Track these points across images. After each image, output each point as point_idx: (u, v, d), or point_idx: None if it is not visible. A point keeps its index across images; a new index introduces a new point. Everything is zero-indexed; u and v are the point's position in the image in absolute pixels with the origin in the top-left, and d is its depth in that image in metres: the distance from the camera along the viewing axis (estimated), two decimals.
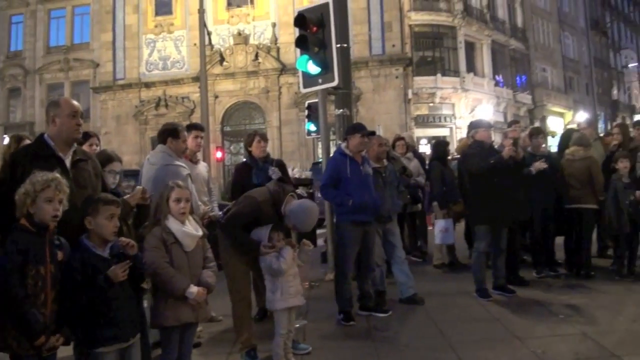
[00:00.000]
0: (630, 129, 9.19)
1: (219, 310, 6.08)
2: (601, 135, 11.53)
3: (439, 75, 31.79)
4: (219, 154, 27.89)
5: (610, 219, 7.84)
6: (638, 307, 6.42)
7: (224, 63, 31.48)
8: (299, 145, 30.38)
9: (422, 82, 31.49)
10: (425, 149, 24.30)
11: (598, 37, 52.45)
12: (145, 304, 4.38)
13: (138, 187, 4.92)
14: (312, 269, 8.88)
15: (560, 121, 40.91)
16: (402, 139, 9.84)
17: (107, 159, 5.00)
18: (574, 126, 10.68)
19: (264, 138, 7.03)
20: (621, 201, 7.65)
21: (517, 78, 38.64)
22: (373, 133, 6.93)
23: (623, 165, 7.78)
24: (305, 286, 6.21)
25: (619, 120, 43.69)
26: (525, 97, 38.59)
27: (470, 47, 34.25)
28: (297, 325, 5.43)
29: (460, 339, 5.51)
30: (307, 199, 6.28)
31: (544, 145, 8.79)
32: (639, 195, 7.49)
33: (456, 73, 32.57)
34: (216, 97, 31.15)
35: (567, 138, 9.04)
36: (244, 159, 7.52)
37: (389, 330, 5.98)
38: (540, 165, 7.62)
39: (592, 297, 6.88)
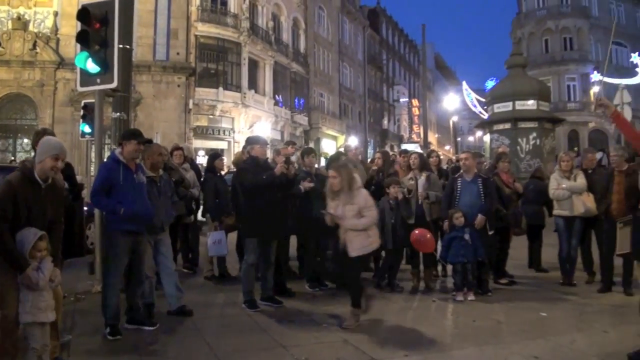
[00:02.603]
0: (392, 154, 9.93)
1: None
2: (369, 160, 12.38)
3: (221, 88, 31.94)
4: None
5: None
6: (395, 316, 6.99)
7: (0, 49, 28.50)
8: (71, 147, 28.11)
9: (203, 93, 31.48)
10: (203, 160, 24.25)
11: (374, 71, 56.73)
12: None
13: None
14: (79, 281, 8.43)
15: (334, 144, 43.30)
16: (180, 148, 9.71)
17: None
18: (342, 149, 11.40)
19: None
20: (387, 220, 8.28)
21: (296, 100, 40.29)
22: (150, 141, 6.76)
23: (394, 190, 8.43)
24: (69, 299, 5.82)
25: (387, 148, 47.38)
26: (302, 119, 40.36)
27: (253, 65, 35.01)
28: (63, 340, 5.11)
29: (227, 349, 5.55)
30: None
31: (316, 165, 9.23)
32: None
33: (238, 88, 33.00)
34: None
35: (334, 159, 9.58)
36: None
37: (156, 344, 5.82)
38: (307, 184, 7.98)
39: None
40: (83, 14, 7.97)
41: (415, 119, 61.09)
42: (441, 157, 11.12)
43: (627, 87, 25.20)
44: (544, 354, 5.37)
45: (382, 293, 8.24)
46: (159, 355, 5.52)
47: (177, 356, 5.46)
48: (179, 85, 30.12)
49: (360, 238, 6.42)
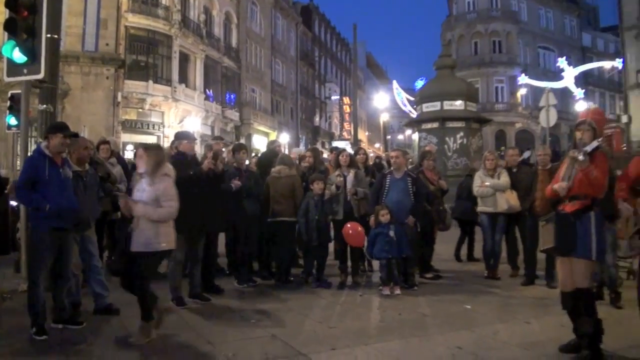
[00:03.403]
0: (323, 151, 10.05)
1: None
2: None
3: (150, 81, 31.33)
4: None
5: (301, 231, 8.57)
6: (323, 310, 7.09)
7: None
8: None
9: (133, 86, 30.76)
10: (131, 155, 23.76)
11: (306, 68, 56.87)
12: None
13: None
14: (5, 279, 8.17)
15: (265, 140, 43.20)
16: (107, 142, 9.47)
17: None
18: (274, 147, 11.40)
19: None
20: (311, 216, 8.41)
21: (227, 95, 39.95)
22: (76, 135, 6.59)
23: (318, 186, 8.53)
24: None
25: (318, 145, 47.60)
26: (234, 114, 40.04)
27: (184, 59, 34.57)
28: None
29: (154, 348, 5.47)
30: None
31: (247, 162, 9.24)
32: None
33: (168, 82, 32.49)
34: None
35: (266, 157, 9.62)
36: None
37: (83, 343, 5.68)
38: (236, 183, 7.99)
39: (283, 303, 7.42)
40: (11, 1, 7.66)
41: (347, 116, 61.61)
42: (371, 154, 11.28)
43: (553, 90, 26.07)
44: (468, 345, 5.53)
45: (309, 288, 8.36)
46: (85, 354, 5.39)
47: (103, 355, 5.35)
48: (107, 78, 29.21)
49: (149, 232, 5.75)
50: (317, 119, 60.28)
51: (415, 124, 27.26)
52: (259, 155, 10.78)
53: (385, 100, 54.22)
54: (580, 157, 4.84)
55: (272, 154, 9.79)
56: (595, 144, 4.95)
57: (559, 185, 5.06)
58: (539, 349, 5.44)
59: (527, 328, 6.29)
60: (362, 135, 64.89)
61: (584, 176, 4.88)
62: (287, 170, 8.77)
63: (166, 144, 27.55)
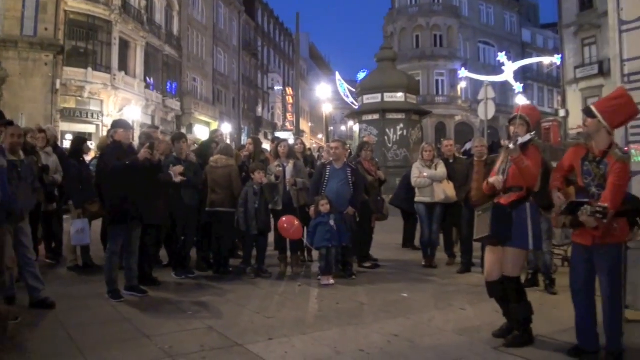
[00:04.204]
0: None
1: None
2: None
3: (90, 69, 30.50)
4: None
5: (240, 221, 8.53)
6: (261, 301, 7.08)
7: None
8: None
9: (72, 73, 29.80)
10: (69, 144, 23.15)
11: (249, 58, 56.45)
12: None
13: None
14: None
15: (207, 130, 42.74)
16: (44, 131, 9.25)
17: None
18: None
19: None
20: (251, 206, 8.44)
21: (168, 84, 39.33)
22: (11, 123, 6.40)
23: (259, 175, 8.55)
24: None
25: (261, 135, 47.44)
26: (175, 104, 39.50)
27: (124, 45, 33.81)
28: None
29: (90, 342, 5.37)
30: None
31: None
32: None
33: (108, 69, 31.72)
34: None
35: (206, 146, 9.55)
36: None
37: (17, 338, 5.53)
38: (178, 170, 7.86)
39: (220, 294, 7.38)
40: None
41: (289, 107, 61.52)
42: (314, 145, 11.31)
43: (493, 83, 26.63)
44: (404, 332, 5.63)
45: (248, 279, 8.36)
46: (20, 349, 5.24)
47: (38, 350, 5.23)
48: (46, 64, 27.97)
49: None
50: (259, 109, 60.03)
51: (356, 115, 27.50)
52: (198, 145, 10.65)
53: (328, 91, 54.47)
54: (511, 146, 4.98)
55: (212, 143, 9.72)
56: (528, 137, 5.11)
57: (495, 178, 5.20)
58: (473, 334, 5.59)
59: (462, 314, 6.45)
60: (305, 126, 64.99)
61: (516, 166, 5.04)
62: (225, 160, 8.72)
63: (105, 133, 27.00)
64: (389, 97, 25.30)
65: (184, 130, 34.97)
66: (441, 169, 9.28)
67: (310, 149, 14.29)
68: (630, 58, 6.15)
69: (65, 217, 9.46)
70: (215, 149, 9.16)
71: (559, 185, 4.92)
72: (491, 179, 5.26)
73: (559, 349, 5.01)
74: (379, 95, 25.43)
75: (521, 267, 5.41)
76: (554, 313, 6.29)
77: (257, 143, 10.28)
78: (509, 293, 5.27)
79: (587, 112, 4.88)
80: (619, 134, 5.94)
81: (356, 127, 27.36)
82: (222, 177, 8.58)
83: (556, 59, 44.49)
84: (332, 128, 63.92)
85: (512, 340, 5.17)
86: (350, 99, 55.01)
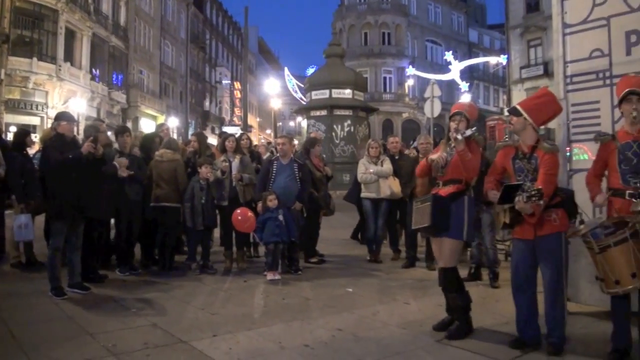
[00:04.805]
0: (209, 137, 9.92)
1: None
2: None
3: (35, 58, 29.66)
4: None
5: (185, 217, 8.48)
6: (206, 297, 7.05)
7: None
8: None
9: (17, 63, 28.91)
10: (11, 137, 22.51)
11: (197, 51, 55.76)
12: None
13: None
14: None
15: (153, 124, 42.13)
16: None
17: None
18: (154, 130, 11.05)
19: None
20: (197, 201, 8.39)
21: (114, 75, 38.53)
22: None
23: (205, 170, 8.47)
24: None
25: (208, 130, 46.98)
26: (121, 96, 38.74)
27: (70, 35, 32.97)
28: None
29: (33, 340, 5.25)
30: None
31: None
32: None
33: (53, 60, 30.86)
34: None
35: (149, 140, 9.39)
36: None
37: None
38: (123, 162, 7.77)
39: (165, 291, 7.30)
40: None
41: (237, 101, 60.98)
42: (262, 140, 11.29)
43: (439, 82, 27.02)
44: (348, 326, 5.69)
45: (194, 275, 8.31)
46: None
47: None
48: None
49: None
50: (207, 103, 59.43)
51: (304, 111, 27.62)
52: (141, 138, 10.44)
53: (277, 86, 54.30)
54: (459, 137, 5.12)
55: (155, 137, 9.58)
56: (469, 132, 5.25)
57: (439, 155, 5.36)
58: (416, 327, 5.68)
59: (406, 308, 6.55)
60: (253, 121, 64.69)
61: (459, 158, 5.19)
62: (170, 154, 8.63)
63: (50, 125, 26.30)
64: (337, 93, 25.48)
65: (129, 124, 34.45)
66: (387, 165, 9.41)
67: (257, 145, 14.26)
68: (573, 60, 6.35)
69: (7, 212, 9.19)
70: (158, 143, 9.06)
71: (493, 187, 5.08)
72: (434, 156, 5.41)
73: (501, 341, 5.14)
74: (327, 91, 25.59)
75: (457, 258, 5.55)
76: (497, 306, 6.47)
77: (201, 139, 10.18)
78: (448, 282, 5.43)
79: (513, 111, 5.12)
80: (562, 134, 6.16)
81: (304, 123, 27.49)
82: (167, 172, 8.49)
83: (502, 59, 45.54)
84: (280, 123, 63.72)
85: (453, 332, 5.31)
86: (298, 95, 55.06)
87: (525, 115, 4.93)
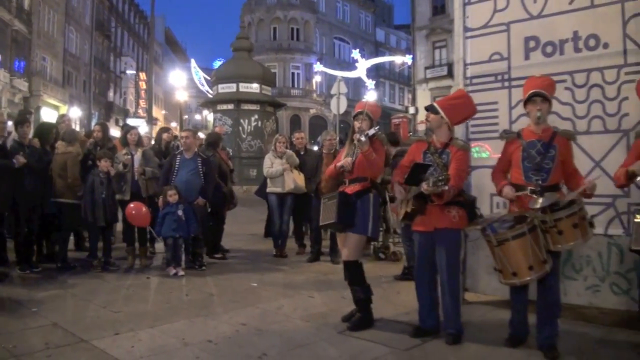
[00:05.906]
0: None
1: None
2: None
3: None
4: None
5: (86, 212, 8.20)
6: (108, 295, 6.89)
7: None
8: None
9: None
10: None
11: (101, 39, 53.82)
12: None
13: None
14: None
15: (55, 114, 40.37)
16: None
17: None
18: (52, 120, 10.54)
19: None
20: (97, 195, 8.13)
21: (16, 62, 36.59)
22: None
23: (105, 164, 8.24)
24: None
25: (112, 121, 45.61)
26: (23, 84, 36.77)
27: None
28: None
29: None
30: None
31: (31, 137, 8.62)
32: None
33: None
34: None
35: (46, 130, 8.96)
36: None
37: None
38: (21, 160, 7.48)
39: (66, 289, 7.11)
40: None
41: (142, 93, 59.49)
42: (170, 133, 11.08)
43: (346, 79, 27.34)
44: (252, 320, 5.74)
45: (95, 272, 8.10)
46: None
47: None
48: None
49: None
50: (111, 94, 57.52)
51: (211, 104, 27.35)
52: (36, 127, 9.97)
53: (183, 78, 53.46)
54: (362, 138, 5.27)
55: (53, 128, 9.19)
56: (372, 131, 5.40)
57: (345, 160, 5.48)
58: (319, 319, 5.80)
59: (310, 302, 6.66)
60: (159, 113, 63.35)
61: (364, 158, 5.33)
62: (64, 147, 8.34)
63: None
64: (244, 87, 25.38)
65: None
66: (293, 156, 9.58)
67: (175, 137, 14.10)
68: (473, 62, 6.64)
69: None
70: (54, 134, 8.71)
71: (400, 180, 5.24)
72: (340, 162, 5.53)
73: (402, 331, 5.33)
74: (234, 85, 25.44)
75: (361, 252, 5.71)
76: (398, 298, 6.70)
77: (104, 129, 9.88)
78: (352, 275, 5.57)
79: (430, 108, 5.32)
80: (460, 132, 6.40)
81: (211, 117, 27.19)
82: (59, 165, 8.21)
83: (408, 59, 46.71)
84: (187, 116, 62.74)
85: (355, 323, 5.46)
86: (205, 88, 54.43)
87: (442, 113, 5.13)
